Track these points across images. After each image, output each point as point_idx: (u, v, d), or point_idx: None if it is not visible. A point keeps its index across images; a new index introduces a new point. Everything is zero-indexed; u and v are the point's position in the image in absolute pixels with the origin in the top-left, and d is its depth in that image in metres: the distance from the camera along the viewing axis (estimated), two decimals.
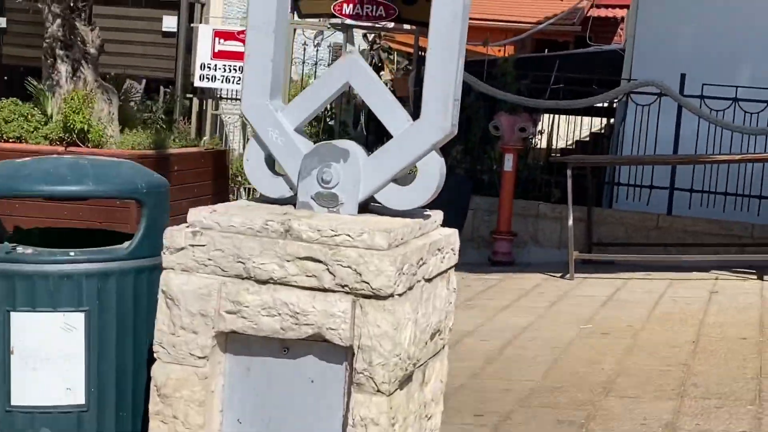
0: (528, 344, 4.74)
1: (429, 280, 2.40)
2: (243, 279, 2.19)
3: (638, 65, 8.38)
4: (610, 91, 7.60)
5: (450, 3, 2.30)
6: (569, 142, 13.66)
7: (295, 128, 2.44)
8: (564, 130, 10.72)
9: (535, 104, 7.75)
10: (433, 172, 2.39)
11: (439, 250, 2.46)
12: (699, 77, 7.57)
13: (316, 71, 10.44)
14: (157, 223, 2.46)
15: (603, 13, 19.94)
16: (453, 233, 2.59)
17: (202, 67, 9.89)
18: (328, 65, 10.65)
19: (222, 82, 9.97)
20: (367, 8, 9.63)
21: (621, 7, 18.68)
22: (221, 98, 10.37)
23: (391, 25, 10.59)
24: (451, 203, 7.52)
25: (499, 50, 14.36)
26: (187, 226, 2.24)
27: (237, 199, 9.63)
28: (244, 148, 11.10)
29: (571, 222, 6.70)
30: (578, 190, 7.66)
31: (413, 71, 8.65)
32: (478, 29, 18.19)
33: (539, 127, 9.96)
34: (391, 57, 14.69)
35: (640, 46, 8.43)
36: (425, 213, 2.53)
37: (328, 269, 2.15)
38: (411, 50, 11.44)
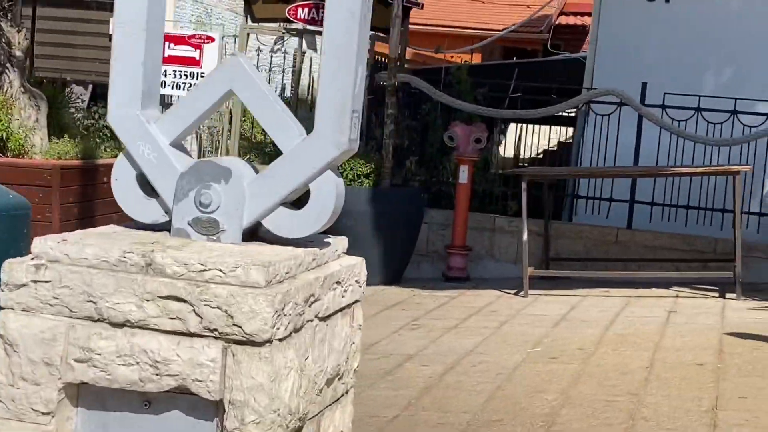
0: (471, 370, 4.43)
1: (325, 319, 2.09)
2: (95, 321, 1.86)
3: (600, 74, 8.16)
4: (569, 100, 7.35)
5: (346, 0, 2.00)
6: (537, 151, 13.43)
7: (172, 142, 2.11)
8: (533, 138, 10.47)
9: (491, 113, 7.48)
10: (328, 195, 2.08)
11: (338, 283, 2.15)
12: (662, 86, 7.35)
13: (270, 77, 10.11)
14: (10, 251, 2.12)
15: (572, 20, 19.81)
16: (357, 263, 2.28)
17: None
18: (285, 72, 10.33)
19: (172, 87, 9.61)
20: (323, 13, 9.32)
21: (590, 15, 18.56)
22: (170, 105, 10.00)
23: None
24: (404, 216, 7.24)
25: (452, 56, 14.09)
26: (32, 258, 1.91)
27: None
28: (199, 156, 10.73)
29: (525, 237, 6.43)
30: (538, 202, 7.41)
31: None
32: (444, 36, 17.97)
33: (500, 138, 9.73)
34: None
35: (602, 55, 8.21)
36: (325, 240, 2.21)
37: (194, 310, 1.83)
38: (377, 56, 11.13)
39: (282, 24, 9.73)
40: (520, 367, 4.47)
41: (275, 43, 10.47)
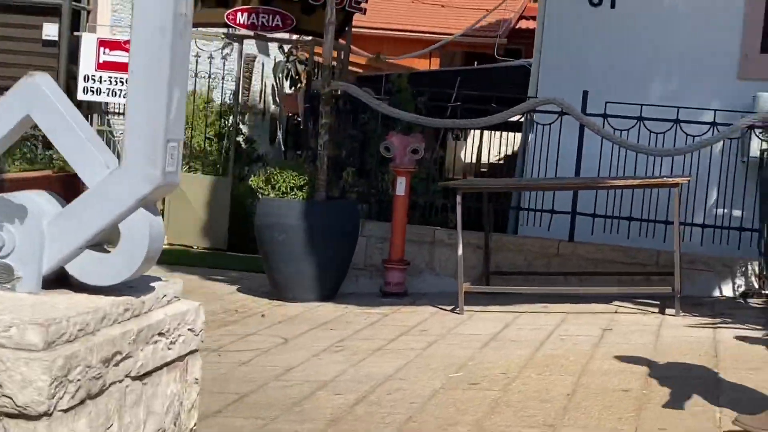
0: (385, 399, 4.19)
1: (141, 377, 1.83)
2: None
3: (545, 82, 7.96)
4: (509, 110, 7.12)
5: (154, 14, 1.74)
6: (499, 157, 13.23)
7: None
8: (495, 144, 10.25)
9: (430, 123, 7.25)
10: (140, 236, 1.82)
11: (161, 334, 1.89)
12: (607, 94, 7.17)
13: (209, 84, 9.82)
14: None
15: (532, 25, 19.65)
16: (191, 309, 2.02)
17: (86, 78, 9.21)
18: (228, 78, 10.04)
19: (108, 95, 9.29)
20: (263, 18, 9.07)
21: None
22: (109, 113, 9.68)
23: (310, 38, 10.03)
24: (339, 230, 6.98)
25: (392, 61, 13.86)
26: None
27: None
28: None
29: (460, 251, 6.21)
30: (480, 215, 7.21)
31: (304, 86, 8.10)
32: (404, 41, 17.76)
33: (456, 145, 9.51)
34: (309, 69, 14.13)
35: (547, 62, 8.01)
36: (151, 285, 1.95)
37: None
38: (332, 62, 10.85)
39: (230, 30, 9.43)
40: (438, 395, 4.23)
41: (224, 48, 10.16)
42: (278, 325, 5.91)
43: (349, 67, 13.23)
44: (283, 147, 13.08)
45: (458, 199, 6.21)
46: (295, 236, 6.67)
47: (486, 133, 10.37)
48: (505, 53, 17.78)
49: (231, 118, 9.90)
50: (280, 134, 13.55)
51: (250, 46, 13.07)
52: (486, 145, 10.61)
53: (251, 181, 7.03)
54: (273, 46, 13.01)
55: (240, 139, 10.69)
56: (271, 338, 5.48)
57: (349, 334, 5.60)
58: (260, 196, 6.91)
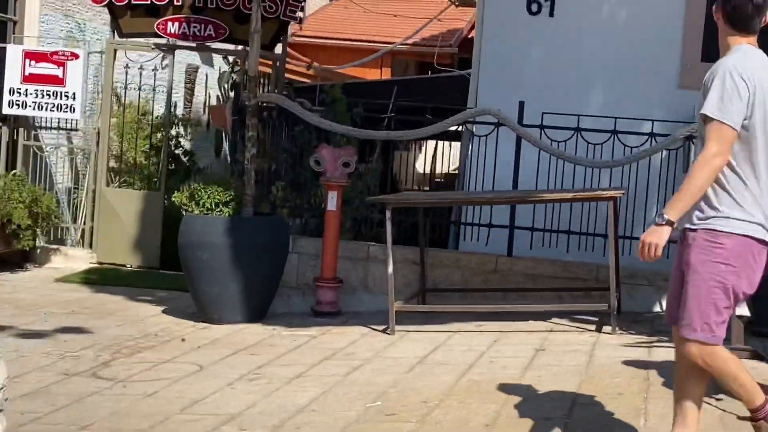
0: None
1: None
2: None
3: (483, 91, 7.74)
4: (444, 120, 6.88)
5: None
6: (454, 169, 13.01)
7: None
8: (449, 156, 10.03)
9: (363, 135, 6.98)
10: None
11: None
12: (544, 105, 6.96)
13: (139, 95, 9.47)
14: None
15: None
16: None
17: (11, 92, 8.82)
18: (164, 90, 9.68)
19: (34, 108, 8.91)
20: (195, 27, 8.77)
21: None
22: (37, 127, 9.27)
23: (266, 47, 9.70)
24: (267, 247, 6.67)
25: (341, 71, 13.62)
26: None
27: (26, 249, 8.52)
28: (72, 181, 9.99)
29: (390, 269, 5.94)
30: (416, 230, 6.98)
31: (232, 98, 7.80)
32: (354, 50, 17.53)
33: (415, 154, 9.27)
34: (259, 80, 13.81)
35: (485, 71, 7.79)
36: None
37: None
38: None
39: (170, 40, 9.09)
40: (350, 429, 3.96)
41: (163, 59, 9.79)
42: (197, 350, 5.60)
43: (299, 78, 12.96)
44: (229, 159, 12.75)
45: (388, 214, 5.96)
46: (220, 255, 6.36)
47: (439, 143, 10.15)
48: (458, 63, 17.63)
49: (166, 130, 9.56)
50: (226, 146, 13.22)
51: (193, 57, 12.73)
52: (439, 157, 10.39)
53: (174, 197, 6.71)
54: (218, 57, 12.69)
55: (179, 152, 10.35)
56: (186, 366, 5.16)
57: (270, 359, 5.31)
58: (184, 213, 6.60)
